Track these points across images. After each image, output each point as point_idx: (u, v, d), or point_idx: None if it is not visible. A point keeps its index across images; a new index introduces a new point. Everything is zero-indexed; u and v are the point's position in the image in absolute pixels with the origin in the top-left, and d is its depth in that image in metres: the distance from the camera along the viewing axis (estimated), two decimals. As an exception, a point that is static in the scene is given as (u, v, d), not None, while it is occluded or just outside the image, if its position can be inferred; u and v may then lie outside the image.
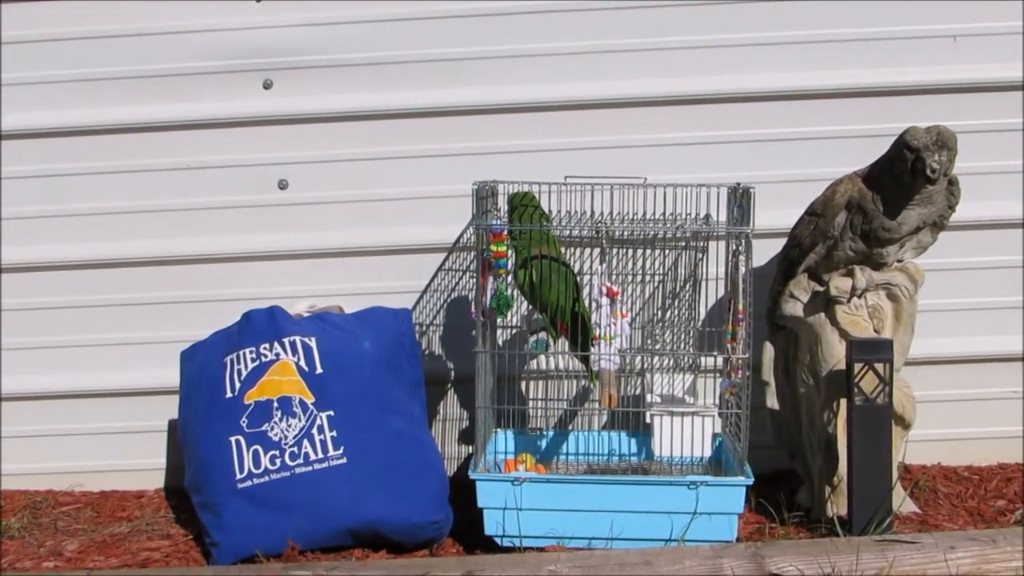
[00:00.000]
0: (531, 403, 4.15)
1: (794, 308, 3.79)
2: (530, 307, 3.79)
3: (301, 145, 4.11)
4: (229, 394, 3.71)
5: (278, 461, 3.63)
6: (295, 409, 3.67)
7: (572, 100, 4.07)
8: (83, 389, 4.18)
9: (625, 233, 3.98)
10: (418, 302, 4.14)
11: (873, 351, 3.57)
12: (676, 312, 4.08)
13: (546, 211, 3.79)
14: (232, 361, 3.74)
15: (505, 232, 3.66)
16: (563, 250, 3.80)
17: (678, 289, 4.07)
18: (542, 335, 3.78)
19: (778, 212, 3.86)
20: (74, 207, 4.14)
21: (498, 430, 3.99)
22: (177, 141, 4.12)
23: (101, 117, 4.10)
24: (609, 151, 4.06)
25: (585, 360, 3.77)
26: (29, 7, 4.08)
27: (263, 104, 4.10)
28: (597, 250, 3.85)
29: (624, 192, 3.81)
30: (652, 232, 3.95)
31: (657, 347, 4.07)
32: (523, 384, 4.15)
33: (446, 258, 4.13)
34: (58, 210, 4.14)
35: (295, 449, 3.63)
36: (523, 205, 3.73)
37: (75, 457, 4.20)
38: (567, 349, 3.85)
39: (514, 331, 4.05)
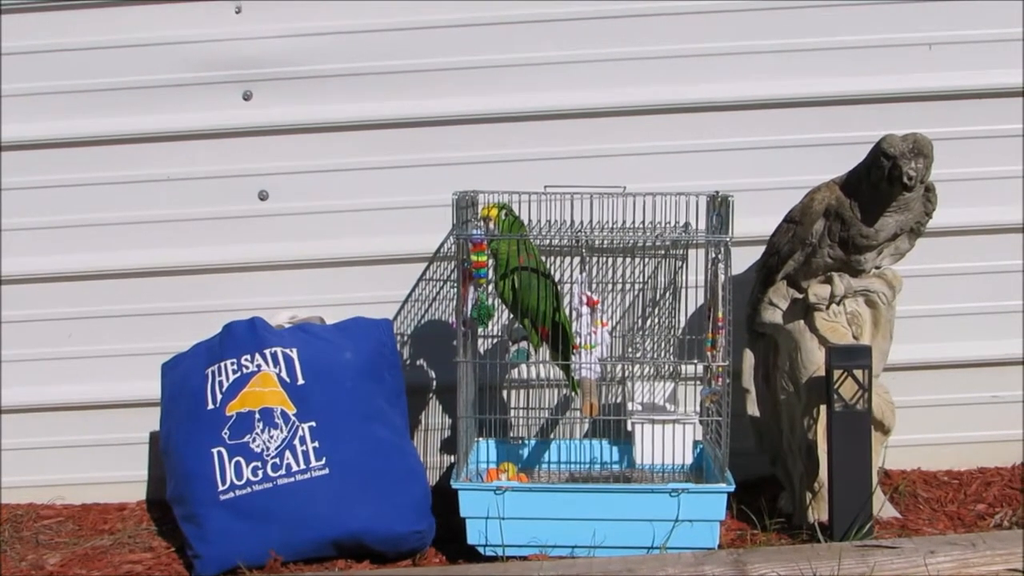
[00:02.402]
0: (513, 412, 4.16)
1: (773, 315, 3.80)
2: (511, 316, 3.81)
3: (281, 156, 4.12)
4: (211, 406, 3.71)
5: (260, 472, 3.63)
6: (277, 420, 3.67)
7: (551, 110, 4.08)
8: (64, 401, 4.17)
9: (605, 242, 4.00)
10: (399, 312, 4.15)
11: (852, 357, 3.59)
12: (656, 320, 4.10)
13: (523, 220, 3.79)
14: (213, 373, 3.74)
15: (485, 242, 3.66)
16: (543, 259, 3.81)
17: (658, 297, 4.09)
18: (523, 344, 3.79)
19: (757, 220, 3.88)
20: (51, 219, 4.13)
21: (480, 439, 4.00)
22: (156, 152, 4.12)
23: (78, 129, 4.09)
24: (588, 160, 4.07)
25: (566, 369, 3.78)
26: (4, 20, 4.08)
27: (243, 115, 4.10)
28: (577, 259, 3.86)
29: (604, 201, 3.83)
30: (632, 241, 3.97)
31: (638, 355, 4.08)
32: (505, 393, 4.16)
33: (427, 268, 4.14)
34: (34, 222, 4.13)
35: (277, 460, 3.63)
36: (500, 209, 3.72)
37: (56, 470, 4.19)
38: (548, 358, 3.85)
39: (495, 341, 4.05)
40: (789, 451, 3.86)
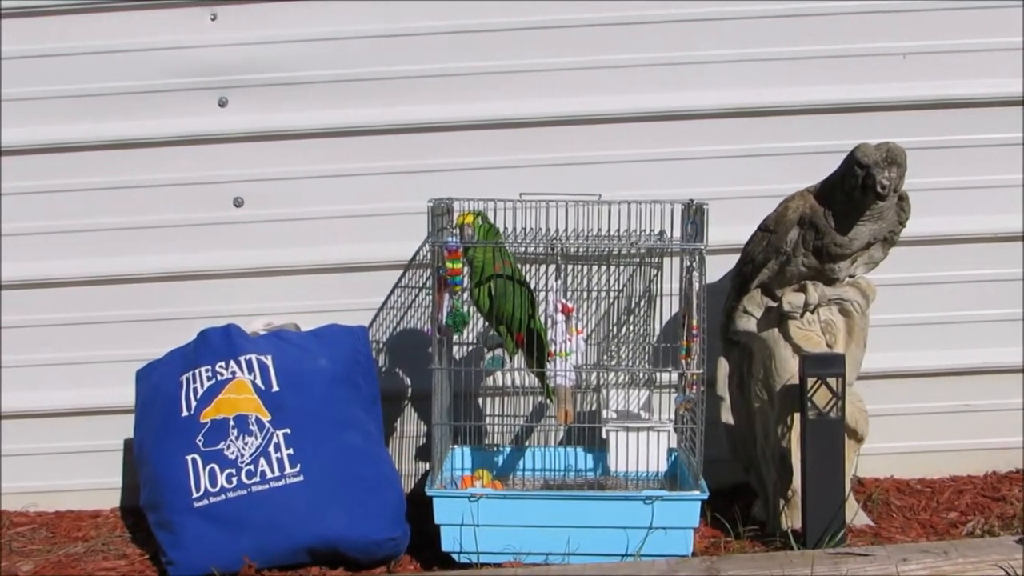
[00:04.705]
0: (488, 419, 4.16)
1: (748, 323, 3.82)
2: (486, 324, 3.81)
3: (257, 162, 4.11)
4: (185, 413, 3.70)
5: (235, 479, 3.62)
6: (251, 427, 3.66)
7: (527, 117, 4.09)
8: (38, 408, 4.16)
9: (580, 250, 4.01)
10: (375, 319, 4.15)
11: (826, 366, 3.60)
12: (631, 328, 4.11)
13: (498, 228, 3.80)
14: (188, 380, 3.74)
15: (460, 249, 3.67)
16: (519, 267, 3.81)
17: (633, 305, 4.10)
18: (498, 351, 3.80)
19: (731, 228, 3.89)
20: (23, 226, 4.11)
21: (455, 446, 4.00)
22: (132, 159, 4.11)
23: (51, 135, 4.08)
24: (564, 168, 4.08)
25: (541, 376, 3.79)
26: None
27: (218, 121, 4.10)
28: (552, 267, 3.86)
29: (579, 209, 3.84)
30: (607, 248, 3.98)
31: (613, 363, 4.09)
32: (480, 400, 4.16)
33: (402, 275, 4.14)
34: (6, 229, 4.11)
35: (252, 467, 3.63)
36: (475, 216, 3.73)
37: (29, 477, 4.17)
38: (523, 365, 3.86)
39: (470, 348, 4.06)
40: (763, 459, 3.87)
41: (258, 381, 3.71)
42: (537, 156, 4.08)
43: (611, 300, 4.11)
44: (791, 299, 3.76)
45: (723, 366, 3.94)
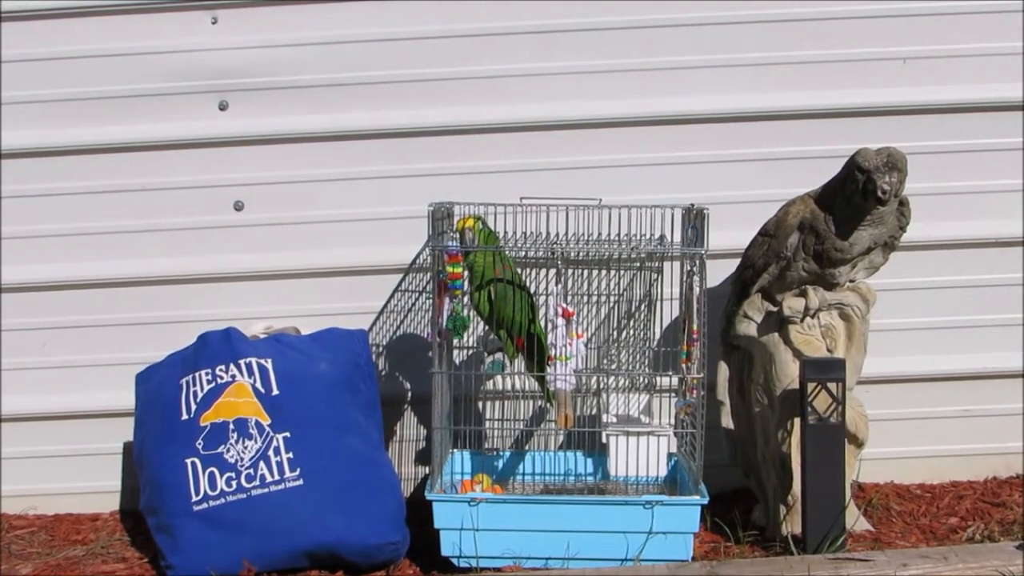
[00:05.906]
0: (488, 423, 4.16)
1: (748, 328, 3.81)
2: (486, 328, 3.81)
3: (257, 166, 4.11)
4: (185, 416, 3.70)
5: (234, 483, 3.62)
6: (251, 431, 3.66)
7: (527, 121, 4.09)
8: (37, 411, 4.15)
9: (580, 254, 4.01)
10: (375, 323, 4.15)
11: (826, 370, 3.60)
12: (631, 332, 4.10)
13: (497, 232, 3.80)
14: (188, 383, 3.74)
15: (461, 253, 3.67)
16: (519, 271, 3.81)
17: (633, 309, 4.10)
18: (498, 355, 3.79)
19: (732, 233, 3.89)
20: (24, 229, 4.11)
21: (455, 450, 4.00)
22: (132, 162, 4.11)
23: (50, 139, 4.08)
24: (564, 172, 4.08)
25: (541, 380, 3.78)
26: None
27: (219, 125, 4.10)
28: (552, 271, 3.86)
29: (579, 213, 3.84)
30: (607, 253, 3.98)
31: (613, 367, 4.09)
32: (480, 404, 4.16)
33: (402, 279, 4.14)
34: (6, 232, 4.11)
35: (251, 471, 3.63)
36: (475, 220, 3.73)
37: (28, 480, 4.17)
38: (523, 369, 3.86)
39: (470, 352, 4.05)
40: (763, 463, 3.86)
41: (258, 385, 3.71)
42: (537, 160, 4.09)
43: (611, 304, 4.11)
44: (791, 304, 3.76)
45: (723, 370, 3.94)
